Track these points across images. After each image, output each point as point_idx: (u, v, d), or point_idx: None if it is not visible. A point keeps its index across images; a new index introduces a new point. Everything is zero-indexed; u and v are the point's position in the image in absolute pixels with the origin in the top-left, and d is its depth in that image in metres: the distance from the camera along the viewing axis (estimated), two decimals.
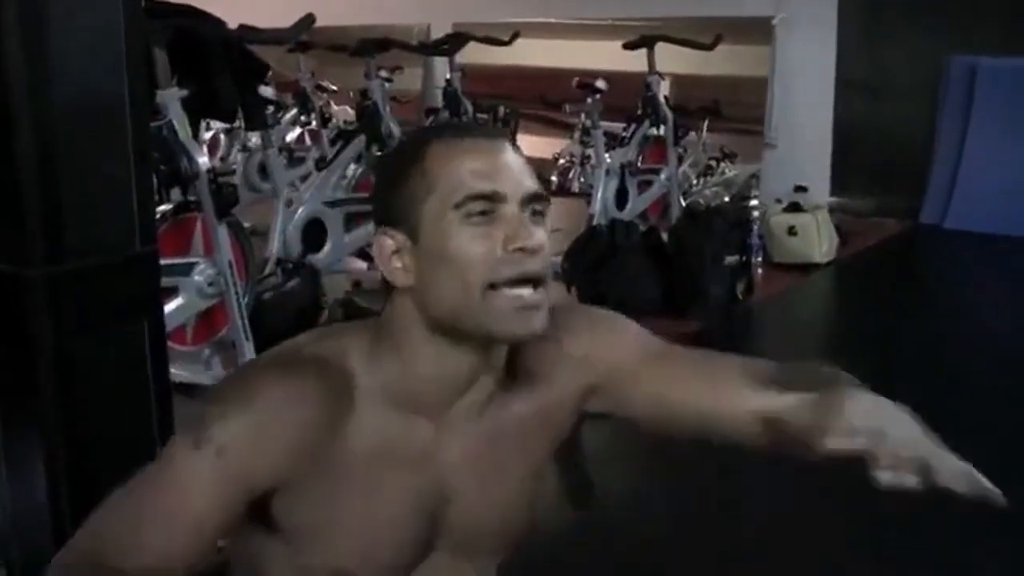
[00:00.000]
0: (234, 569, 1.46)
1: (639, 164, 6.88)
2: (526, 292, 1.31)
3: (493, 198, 1.31)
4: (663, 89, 6.91)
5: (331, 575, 1.37)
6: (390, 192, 1.37)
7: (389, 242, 1.35)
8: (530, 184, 1.35)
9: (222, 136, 8.38)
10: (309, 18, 4.55)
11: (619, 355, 1.49)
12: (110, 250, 2.30)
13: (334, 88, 8.85)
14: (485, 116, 8.35)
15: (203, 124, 6.64)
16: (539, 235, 1.33)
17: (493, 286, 1.30)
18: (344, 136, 5.81)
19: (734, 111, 8.14)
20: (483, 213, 1.31)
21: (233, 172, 7.32)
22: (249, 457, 1.28)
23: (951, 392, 4.41)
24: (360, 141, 5.66)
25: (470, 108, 7.39)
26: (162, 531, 1.26)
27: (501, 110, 8.81)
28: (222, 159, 8.15)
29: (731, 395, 1.45)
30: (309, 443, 1.31)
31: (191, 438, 1.29)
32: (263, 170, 7.07)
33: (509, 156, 1.36)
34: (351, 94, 7.69)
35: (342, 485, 1.34)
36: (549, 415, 1.47)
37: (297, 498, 1.33)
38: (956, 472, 1.21)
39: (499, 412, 1.42)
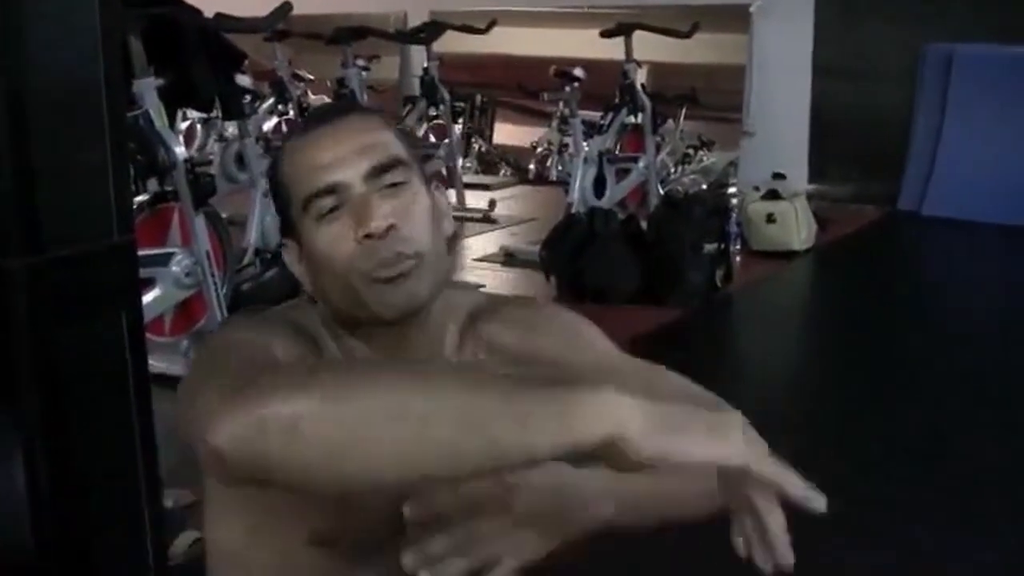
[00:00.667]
0: (212, 561, 1.43)
1: (617, 152, 6.88)
2: (387, 271, 1.26)
3: (334, 190, 1.27)
4: (640, 77, 6.91)
5: (309, 536, 1.32)
6: (276, 204, 1.38)
7: (288, 252, 1.37)
8: (371, 159, 1.28)
9: (198, 126, 8.33)
10: (286, 6, 4.53)
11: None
12: (87, 240, 2.28)
13: (311, 77, 8.81)
14: (463, 104, 8.35)
15: (179, 114, 6.60)
16: (384, 211, 1.26)
17: (361, 277, 1.27)
18: None
19: (711, 99, 8.15)
20: (333, 209, 1.27)
21: (210, 162, 7.27)
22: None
23: (929, 378, 4.44)
24: None
25: (447, 96, 7.38)
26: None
27: (478, 99, 8.81)
28: (198, 149, 8.10)
29: None
30: None
31: (243, 319, 1.31)
32: (240, 160, 7.02)
33: (349, 136, 1.30)
34: (328, 83, 7.66)
35: None
36: None
37: None
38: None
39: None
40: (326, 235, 1.27)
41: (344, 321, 1.33)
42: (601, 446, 0.94)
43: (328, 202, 1.27)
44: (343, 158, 1.27)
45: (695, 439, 0.97)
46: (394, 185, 1.29)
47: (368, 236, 1.25)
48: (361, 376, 1.02)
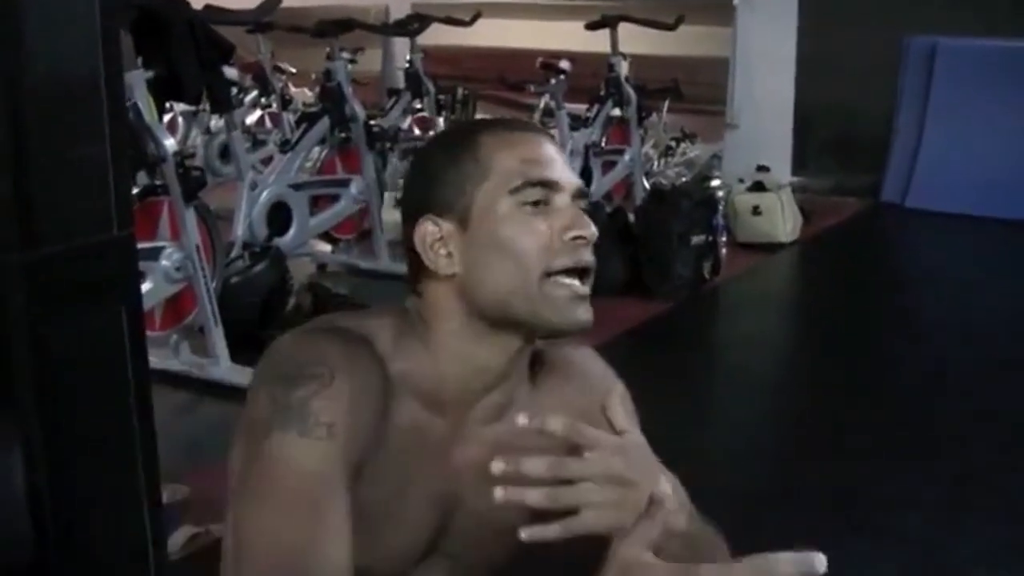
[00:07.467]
0: None
1: (603, 145, 6.87)
2: (577, 283, 1.31)
3: (550, 187, 1.32)
4: (624, 70, 6.91)
5: None
6: (435, 181, 1.35)
7: (433, 229, 1.33)
8: (578, 180, 1.36)
9: (180, 119, 8.28)
10: None
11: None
12: (86, 234, 2.26)
13: (292, 70, 8.78)
14: (445, 97, 8.34)
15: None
16: (593, 228, 1.32)
17: (548, 274, 1.29)
18: (308, 118, 5.76)
19: (694, 91, 8.15)
20: (537, 203, 1.31)
21: (192, 155, 7.25)
22: (354, 430, 1.24)
23: (914, 368, 4.46)
24: (324, 123, 5.62)
25: (432, 89, 7.36)
26: (325, 530, 1.19)
27: (459, 91, 8.79)
28: (181, 142, 8.05)
29: None
30: (377, 420, 1.28)
31: (295, 428, 1.21)
32: (224, 153, 7.01)
33: (557, 151, 1.37)
34: (313, 76, 7.63)
35: (381, 471, 1.31)
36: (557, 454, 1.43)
37: (363, 484, 1.28)
38: None
39: (515, 425, 1.35)
40: (526, 223, 1.30)
41: (477, 312, 1.32)
42: None
43: (538, 194, 1.31)
44: (559, 166, 1.34)
45: None
46: (583, 210, 1.35)
47: (579, 238, 1.30)
48: None
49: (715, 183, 7.43)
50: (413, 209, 1.36)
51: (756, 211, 6.40)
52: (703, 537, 1.37)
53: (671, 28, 6.71)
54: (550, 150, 1.35)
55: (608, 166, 6.84)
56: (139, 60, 3.89)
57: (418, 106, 7.59)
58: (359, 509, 1.26)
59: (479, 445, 1.37)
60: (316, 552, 1.17)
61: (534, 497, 1.16)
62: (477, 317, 1.33)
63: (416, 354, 1.34)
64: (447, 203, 1.33)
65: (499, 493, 1.15)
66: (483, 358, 1.34)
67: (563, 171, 1.34)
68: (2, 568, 2.30)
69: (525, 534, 1.16)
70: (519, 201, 1.30)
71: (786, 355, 5.05)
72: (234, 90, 6.50)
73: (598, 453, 1.20)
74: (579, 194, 1.34)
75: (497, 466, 1.15)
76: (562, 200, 1.32)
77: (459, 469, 1.38)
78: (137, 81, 3.84)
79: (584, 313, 1.31)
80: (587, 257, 1.31)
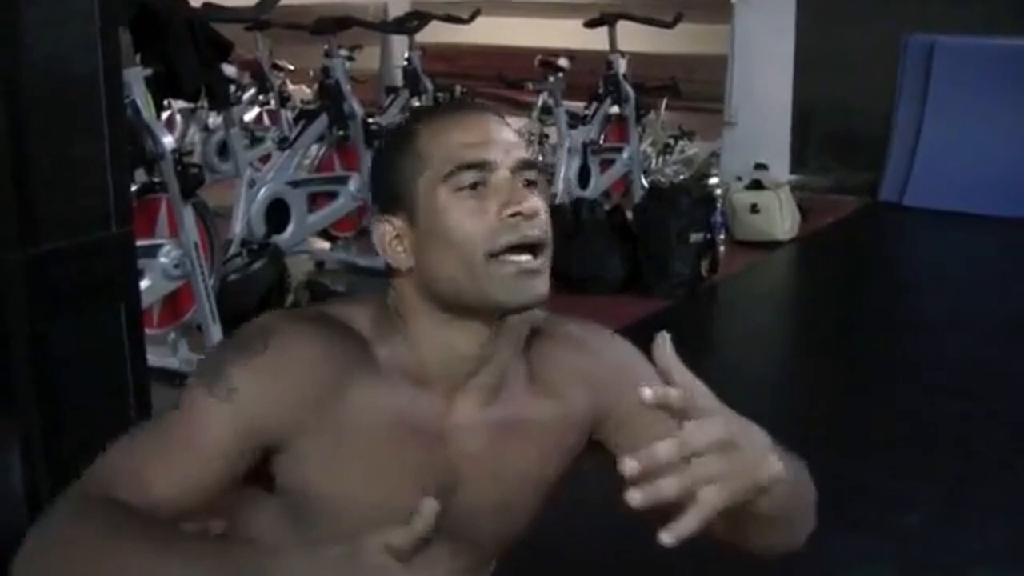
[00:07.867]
0: None
1: (601, 143, 6.87)
2: (525, 258, 1.30)
3: (483, 167, 1.31)
4: (622, 67, 6.91)
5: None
6: (385, 179, 1.38)
7: (388, 228, 1.36)
8: (520, 152, 1.35)
9: (178, 116, 8.27)
10: None
11: (630, 392, 1.39)
12: (85, 231, 2.26)
13: (291, 67, 8.77)
14: (442, 95, 8.33)
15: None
16: (534, 200, 1.31)
17: (493, 255, 1.29)
18: (306, 116, 5.75)
19: (692, 89, 8.14)
20: (475, 186, 1.30)
21: (190, 153, 7.23)
22: (260, 401, 1.29)
23: (913, 366, 4.46)
24: (322, 121, 5.61)
25: (430, 87, 7.36)
26: (171, 467, 1.26)
27: (458, 89, 8.78)
28: (179, 139, 8.02)
29: None
30: (320, 399, 1.31)
31: (206, 383, 1.30)
32: (222, 151, 7.00)
33: (497, 126, 1.36)
34: (311, 73, 7.62)
35: (349, 454, 1.33)
36: (560, 430, 1.45)
37: (301, 459, 1.33)
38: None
39: (511, 406, 1.40)
40: (464, 208, 1.30)
41: (437, 302, 1.34)
42: None
43: (473, 176, 1.30)
44: (496, 144, 1.32)
45: None
46: (530, 183, 1.34)
47: (517, 214, 1.29)
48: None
49: (713, 181, 7.44)
50: (376, 210, 1.40)
51: (754, 209, 6.39)
52: (799, 478, 1.37)
53: (669, 26, 6.72)
54: (488, 128, 1.34)
55: (606, 164, 6.84)
56: (137, 57, 3.88)
57: (416, 104, 7.58)
58: (308, 488, 1.34)
59: (476, 428, 1.39)
60: (152, 484, 1.25)
61: (671, 489, 1.09)
62: (438, 306, 1.34)
63: (397, 345, 1.36)
64: (398, 200, 1.35)
65: (638, 498, 1.08)
66: (457, 346, 1.35)
67: (498, 148, 1.32)
68: (1, 565, 2.29)
69: (668, 538, 1.09)
70: (454, 187, 1.30)
71: (784, 353, 5.04)
72: (232, 87, 6.48)
73: (704, 420, 1.16)
74: (521, 166, 1.33)
75: (631, 465, 1.08)
76: (500, 177, 1.31)
77: (456, 453, 1.38)
78: (135, 78, 3.82)
79: (537, 287, 1.31)
80: (531, 232, 1.30)
